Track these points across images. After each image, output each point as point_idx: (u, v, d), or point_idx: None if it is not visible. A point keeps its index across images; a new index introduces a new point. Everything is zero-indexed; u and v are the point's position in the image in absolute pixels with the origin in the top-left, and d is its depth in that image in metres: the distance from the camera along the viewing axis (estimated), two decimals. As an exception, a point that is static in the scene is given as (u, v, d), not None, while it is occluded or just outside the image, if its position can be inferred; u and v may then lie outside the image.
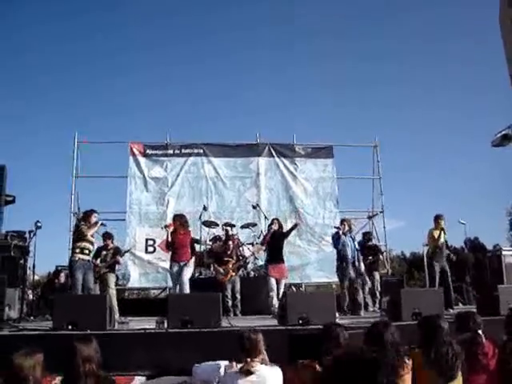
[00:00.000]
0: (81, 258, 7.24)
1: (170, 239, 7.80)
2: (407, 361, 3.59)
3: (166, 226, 8.10)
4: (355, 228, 9.07)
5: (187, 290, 7.50)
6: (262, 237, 9.61)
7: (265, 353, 3.68)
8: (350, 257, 8.36)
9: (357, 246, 8.73)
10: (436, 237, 8.59)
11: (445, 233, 8.68)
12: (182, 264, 7.65)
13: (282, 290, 8.23)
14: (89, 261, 7.41)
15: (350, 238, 8.63)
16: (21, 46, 49.47)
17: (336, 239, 8.55)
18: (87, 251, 7.35)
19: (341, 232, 8.48)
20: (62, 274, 9.80)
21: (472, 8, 48.59)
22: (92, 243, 7.55)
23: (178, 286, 7.61)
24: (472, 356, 3.89)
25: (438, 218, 8.74)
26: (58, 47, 50.37)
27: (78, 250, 7.27)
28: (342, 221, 8.94)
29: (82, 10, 47.93)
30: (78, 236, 7.38)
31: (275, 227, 8.60)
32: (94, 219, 7.55)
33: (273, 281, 8.22)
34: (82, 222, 7.55)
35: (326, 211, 13.28)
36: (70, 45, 49.61)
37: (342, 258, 8.39)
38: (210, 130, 52.31)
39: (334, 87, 54.98)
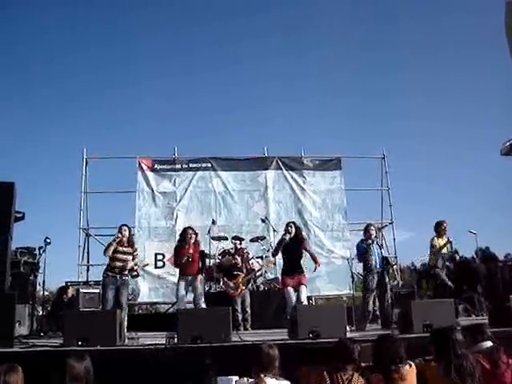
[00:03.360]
0: (110, 275, 7.22)
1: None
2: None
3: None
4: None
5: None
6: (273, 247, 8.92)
7: (277, 368, 3.68)
8: (378, 266, 7.79)
9: (382, 254, 8.07)
10: (438, 246, 8.32)
11: (449, 241, 8.37)
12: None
13: (304, 298, 7.55)
14: (121, 277, 7.27)
15: (377, 245, 8.05)
16: (25, 57, 49.98)
17: (366, 247, 7.88)
18: (117, 270, 7.25)
19: (370, 241, 7.93)
20: (70, 290, 9.78)
21: (478, 16, 48.62)
22: (121, 260, 7.33)
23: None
24: (492, 367, 3.84)
25: (439, 225, 8.40)
26: (64, 58, 50.79)
27: (108, 268, 7.29)
28: (369, 226, 8.20)
29: (89, 20, 48.43)
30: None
31: (291, 234, 7.82)
32: (118, 234, 7.44)
33: (290, 290, 7.44)
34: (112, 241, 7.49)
35: (334, 223, 13.22)
36: (76, 55, 50.10)
37: (368, 266, 7.80)
38: (217, 144, 52.55)
39: (341, 99, 55.08)
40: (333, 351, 3.93)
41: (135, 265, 7.66)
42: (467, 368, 3.59)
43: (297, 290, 7.53)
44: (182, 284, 7.51)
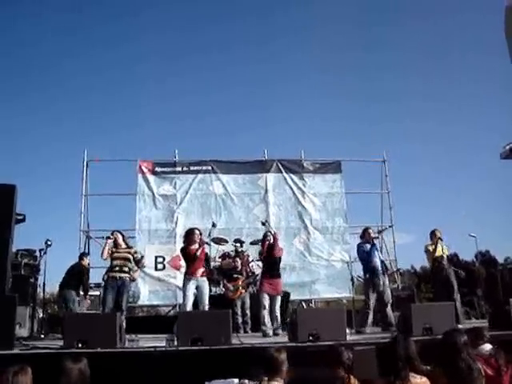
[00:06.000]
0: (110, 277, 7.18)
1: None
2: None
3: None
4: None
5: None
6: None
7: (284, 372, 3.62)
8: (379, 268, 7.92)
9: (381, 257, 8.27)
10: (431, 250, 8.48)
11: (441, 245, 8.52)
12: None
13: (277, 307, 7.76)
14: (121, 278, 7.21)
15: (375, 248, 8.17)
16: (25, 59, 49.99)
17: (370, 249, 8.04)
18: (117, 268, 7.22)
19: (368, 245, 8.07)
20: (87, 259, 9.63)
21: (481, 18, 48.70)
22: (120, 258, 7.32)
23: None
24: (491, 371, 3.84)
25: (433, 232, 8.63)
26: (64, 60, 50.80)
27: (109, 268, 7.28)
28: (366, 230, 8.40)
29: (90, 22, 48.46)
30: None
31: (271, 240, 8.01)
32: (110, 236, 7.49)
33: (266, 296, 7.66)
34: None
35: (334, 227, 13.25)
36: (76, 57, 50.12)
37: (371, 269, 7.92)
38: (217, 147, 52.38)
39: (341, 102, 55.06)
40: (324, 355, 3.92)
41: (136, 265, 7.65)
42: (475, 371, 3.57)
43: (272, 298, 7.73)
44: (189, 285, 7.36)
